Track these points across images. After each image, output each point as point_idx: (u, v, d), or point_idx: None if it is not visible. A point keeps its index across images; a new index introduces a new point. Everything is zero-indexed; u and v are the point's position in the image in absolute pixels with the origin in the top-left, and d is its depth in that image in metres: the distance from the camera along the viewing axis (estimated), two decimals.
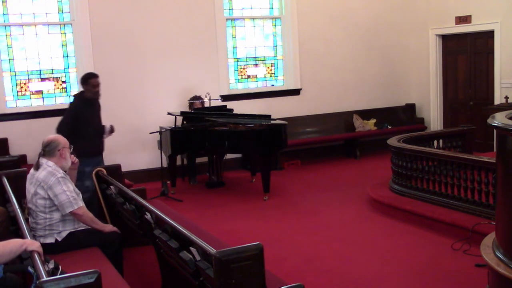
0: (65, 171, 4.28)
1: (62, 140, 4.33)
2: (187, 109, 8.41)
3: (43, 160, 4.21)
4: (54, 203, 4.12)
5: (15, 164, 5.44)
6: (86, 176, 5.48)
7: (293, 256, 5.21)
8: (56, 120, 7.89)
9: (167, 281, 4.03)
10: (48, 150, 4.22)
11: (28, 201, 4.25)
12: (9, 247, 2.99)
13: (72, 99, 6.49)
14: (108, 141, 8.20)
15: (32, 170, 4.28)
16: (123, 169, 5.46)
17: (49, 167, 4.17)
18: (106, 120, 8.36)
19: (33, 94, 8.06)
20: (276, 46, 9.63)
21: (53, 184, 4.09)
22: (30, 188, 4.22)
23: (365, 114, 10.14)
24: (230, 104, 8.62)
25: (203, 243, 2.92)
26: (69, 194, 4.12)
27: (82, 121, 6.01)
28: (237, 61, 9.36)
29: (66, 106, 8.05)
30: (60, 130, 5.77)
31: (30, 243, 3.02)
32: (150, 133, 8.05)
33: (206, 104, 8.41)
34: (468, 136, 7.47)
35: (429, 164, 6.14)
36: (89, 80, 6.13)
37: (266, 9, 9.51)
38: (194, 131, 7.60)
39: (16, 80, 7.94)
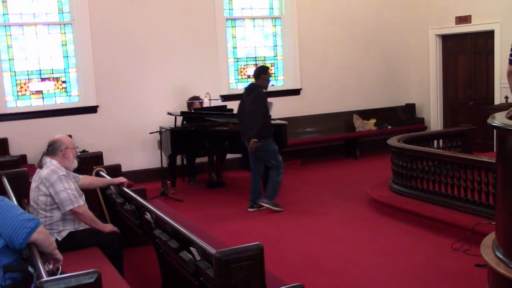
0: (69, 171, 4.32)
1: (66, 140, 4.37)
2: (186, 109, 8.41)
3: (47, 159, 4.27)
4: (55, 201, 4.14)
5: (15, 164, 5.45)
6: (277, 152, 6.56)
7: (293, 256, 5.21)
8: (56, 120, 8.02)
9: (167, 281, 4.03)
10: (51, 149, 4.29)
11: (31, 198, 4.28)
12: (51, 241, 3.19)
13: (250, 90, 6.76)
14: (108, 141, 8.24)
15: (38, 169, 4.34)
16: (123, 169, 5.46)
17: (52, 165, 4.22)
18: (108, 120, 8.42)
19: (33, 94, 8.05)
20: (276, 46, 9.62)
21: (55, 182, 4.13)
22: (33, 186, 4.27)
23: (365, 114, 10.13)
24: (230, 104, 8.61)
25: (203, 243, 2.92)
26: (70, 192, 4.14)
27: (268, 108, 6.65)
28: (237, 61, 9.35)
29: (66, 106, 8.16)
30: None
31: (59, 254, 3.24)
32: (150, 133, 8.06)
33: (206, 104, 8.40)
34: (468, 136, 7.47)
35: (429, 164, 6.14)
36: (268, 71, 6.73)
37: (266, 9, 9.51)
38: (194, 131, 7.61)
39: (16, 80, 7.94)
